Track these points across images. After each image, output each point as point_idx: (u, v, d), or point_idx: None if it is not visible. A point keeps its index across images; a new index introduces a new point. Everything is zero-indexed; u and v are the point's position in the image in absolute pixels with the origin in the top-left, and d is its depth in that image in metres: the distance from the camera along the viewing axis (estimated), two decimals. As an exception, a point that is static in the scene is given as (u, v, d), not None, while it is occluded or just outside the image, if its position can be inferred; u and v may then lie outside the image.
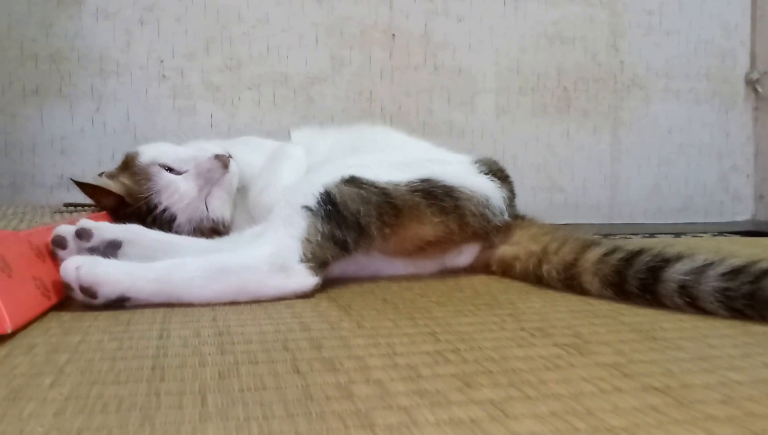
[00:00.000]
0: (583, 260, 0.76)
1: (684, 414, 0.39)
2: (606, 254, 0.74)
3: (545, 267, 0.80)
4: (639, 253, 0.71)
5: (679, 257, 0.68)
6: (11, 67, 1.46)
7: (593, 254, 0.75)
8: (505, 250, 0.89)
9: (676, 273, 0.66)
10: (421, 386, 0.44)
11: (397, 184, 0.82)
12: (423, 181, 0.84)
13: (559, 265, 0.78)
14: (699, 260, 0.66)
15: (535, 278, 0.82)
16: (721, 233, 1.80)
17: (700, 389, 0.43)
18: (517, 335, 0.57)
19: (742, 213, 1.94)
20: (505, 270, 0.88)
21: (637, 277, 0.69)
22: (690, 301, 0.65)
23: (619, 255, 0.73)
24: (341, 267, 0.81)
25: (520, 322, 0.62)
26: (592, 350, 0.52)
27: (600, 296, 0.73)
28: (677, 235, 1.72)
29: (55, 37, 1.47)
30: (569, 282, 0.77)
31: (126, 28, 1.51)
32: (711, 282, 0.63)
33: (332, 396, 0.42)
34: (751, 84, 1.89)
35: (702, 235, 1.74)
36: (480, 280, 0.86)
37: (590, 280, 0.74)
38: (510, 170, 0.98)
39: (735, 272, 0.63)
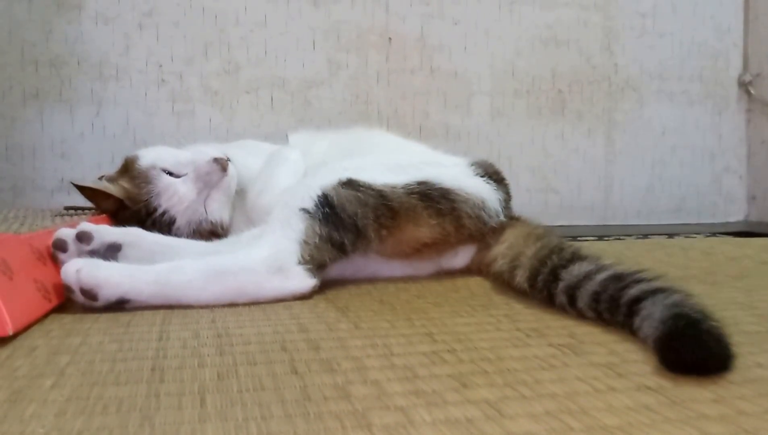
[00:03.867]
0: (523, 256, 0.76)
1: (677, 413, 0.39)
2: (540, 250, 0.73)
3: (500, 262, 0.80)
4: (558, 251, 0.70)
5: (581, 259, 0.66)
6: (11, 71, 1.46)
7: (531, 250, 0.75)
8: (497, 251, 0.89)
9: (571, 272, 0.65)
10: (417, 386, 0.44)
11: (393, 187, 0.82)
12: (419, 183, 0.84)
13: (506, 263, 0.78)
14: (591, 265, 0.64)
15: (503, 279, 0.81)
16: (714, 234, 1.81)
17: (693, 388, 0.43)
18: (512, 335, 0.58)
19: (735, 214, 1.95)
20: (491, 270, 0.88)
21: (543, 276, 0.69)
22: (569, 300, 0.64)
23: (544, 252, 0.72)
24: (339, 269, 0.81)
25: (515, 323, 0.63)
26: (587, 350, 0.53)
27: (522, 294, 0.72)
28: (670, 235, 1.73)
29: (55, 41, 1.48)
30: (510, 282, 0.76)
31: (125, 32, 1.51)
32: (591, 285, 0.62)
33: (330, 396, 0.42)
34: (744, 86, 1.90)
35: (695, 235, 1.75)
36: (476, 281, 0.87)
37: (521, 274, 0.73)
38: (505, 172, 0.99)
39: (614, 278, 0.60)
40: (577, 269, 0.65)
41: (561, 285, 0.66)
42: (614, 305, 0.58)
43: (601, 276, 0.62)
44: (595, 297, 0.61)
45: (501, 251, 0.84)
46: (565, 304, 0.65)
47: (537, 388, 0.44)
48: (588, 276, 0.63)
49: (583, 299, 0.62)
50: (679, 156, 1.88)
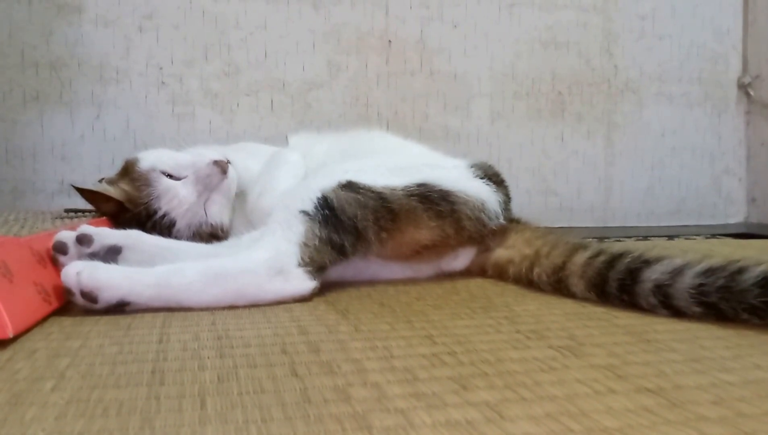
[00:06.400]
0: (570, 263, 0.76)
1: (676, 415, 0.39)
2: (592, 257, 0.75)
3: (536, 270, 0.80)
4: (621, 255, 0.71)
5: (659, 259, 0.68)
6: (12, 74, 1.46)
7: (580, 257, 0.76)
8: (500, 254, 0.89)
9: (653, 273, 0.66)
10: (417, 389, 0.44)
11: (393, 189, 0.82)
12: (419, 185, 0.84)
13: (549, 269, 0.79)
14: (677, 262, 0.66)
15: (527, 282, 0.82)
16: (713, 236, 1.81)
17: (693, 390, 0.44)
18: (512, 338, 0.58)
19: (735, 215, 1.95)
20: (500, 273, 0.89)
21: (616, 279, 0.70)
22: (663, 299, 0.65)
23: (603, 257, 0.73)
24: (339, 271, 0.81)
25: (515, 325, 0.63)
26: (587, 352, 0.53)
27: (584, 299, 0.74)
28: (670, 237, 1.73)
29: (56, 44, 1.48)
30: (557, 285, 0.77)
31: (125, 35, 1.52)
32: (687, 280, 0.64)
33: (330, 399, 0.42)
34: (743, 88, 1.91)
35: (695, 237, 1.75)
36: (476, 284, 0.87)
37: (576, 283, 0.75)
38: (505, 174, 0.99)
39: (711, 270, 0.63)
40: (661, 268, 0.66)
41: (644, 287, 0.66)
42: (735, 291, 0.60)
43: (692, 270, 0.63)
44: (700, 290, 0.62)
45: (511, 257, 0.84)
46: (657, 304, 0.66)
47: (537, 390, 0.44)
48: (678, 271, 0.64)
49: (682, 297, 0.63)
50: (679, 158, 1.89)
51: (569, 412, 0.40)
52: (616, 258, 0.71)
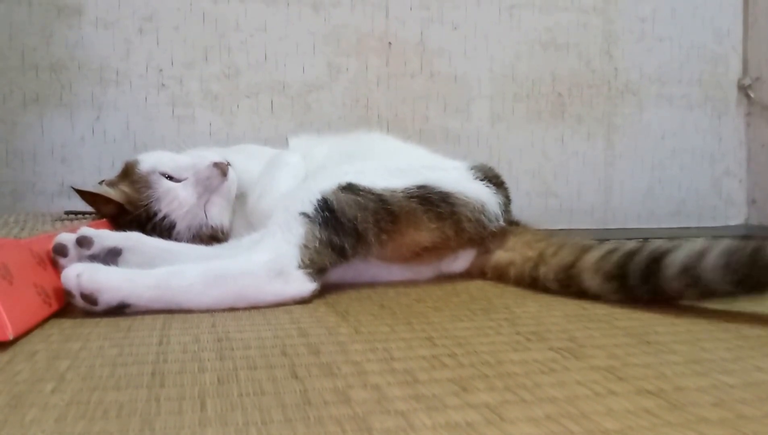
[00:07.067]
0: (582, 261, 0.77)
1: (677, 417, 0.39)
2: (607, 253, 0.75)
3: (542, 269, 0.81)
4: (639, 249, 0.73)
5: (676, 247, 0.70)
6: (12, 76, 1.46)
7: (593, 255, 0.76)
8: (500, 256, 0.90)
9: (677, 258, 0.68)
10: (417, 391, 0.44)
11: (393, 191, 0.83)
12: (419, 187, 0.84)
13: (557, 267, 0.79)
14: (697, 245, 0.68)
15: (531, 282, 0.82)
16: (714, 237, 1.81)
17: (693, 392, 0.44)
18: (512, 339, 0.58)
19: (735, 217, 1.95)
20: (500, 275, 0.89)
21: (638, 269, 0.70)
22: (692, 281, 0.66)
23: (620, 252, 0.74)
24: (339, 273, 0.81)
25: (515, 327, 0.63)
26: (587, 354, 0.53)
27: (600, 294, 0.74)
28: (670, 239, 1.72)
29: (56, 46, 1.48)
30: (567, 282, 0.77)
31: (125, 37, 1.52)
32: (711, 261, 0.65)
33: (330, 401, 0.42)
34: (744, 89, 1.91)
35: (695, 239, 1.74)
36: (476, 285, 0.87)
37: (591, 277, 0.75)
38: (505, 176, 0.99)
39: (731, 250, 0.65)
40: (682, 254, 0.67)
41: (670, 272, 0.67)
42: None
43: (712, 253, 0.65)
44: (727, 268, 0.63)
45: (522, 257, 0.85)
46: (683, 288, 0.67)
47: (537, 392, 0.44)
48: (702, 254, 0.66)
49: (714, 273, 0.64)
50: (679, 159, 1.89)
51: (569, 413, 0.40)
52: (634, 251, 0.73)
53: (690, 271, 0.66)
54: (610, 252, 0.75)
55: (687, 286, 0.67)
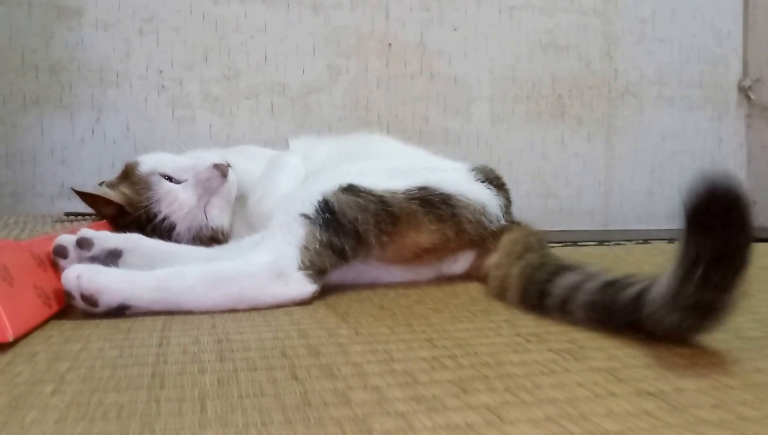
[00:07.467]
0: (511, 270, 0.75)
1: (677, 418, 0.39)
2: (524, 268, 0.73)
3: (494, 273, 0.80)
4: (540, 266, 0.70)
5: (569, 269, 0.66)
6: (12, 77, 1.46)
7: (517, 268, 0.75)
8: (488, 263, 0.89)
9: (560, 288, 0.65)
10: (417, 392, 0.44)
11: (394, 192, 0.82)
12: (420, 188, 0.84)
13: (499, 276, 0.78)
14: (578, 275, 0.64)
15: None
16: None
17: (693, 394, 0.44)
18: (512, 341, 0.58)
19: (736, 219, 1.95)
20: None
21: (535, 290, 0.68)
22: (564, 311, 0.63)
23: (528, 270, 0.72)
24: (339, 274, 0.81)
25: (515, 328, 0.63)
26: (587, 355, 0.53)
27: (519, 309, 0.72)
28: (671, 240, 1.73)
29: (56, 47, 1.48)
30: (503, 294, 0.76)
31: (125, 38, 1.52)
32: (582, 296, 0.61)
33: (330, 402, 0.42)
34: (744, 91, 1.91)
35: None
36: (476, 287, 0.86)
37: (511, 295, 0.74)
38: (505, 177, 0.99)
39: (607, 285, 0.60)
40: (565, 281, 0.65)
41: (551, 300, 0.65)
42: (612, 309, 0.58)
43: (591, 285, 0.61)
44: (591, 306, 0.60)
45: (492, 265, 0.84)
46: (562, 317, 0.64)
47: (537, 394, 0.44)
48: (577, 287, 0.63)
49: (579, 310, 0.62)
50: (679, 161, 1.89)
51: (569, 415, 0.40)
52: (535, 269, 0.70)
53: (562, 304, 0.64)
54: (524, 268, 0.73)
55: (562, 314, 0.64)
